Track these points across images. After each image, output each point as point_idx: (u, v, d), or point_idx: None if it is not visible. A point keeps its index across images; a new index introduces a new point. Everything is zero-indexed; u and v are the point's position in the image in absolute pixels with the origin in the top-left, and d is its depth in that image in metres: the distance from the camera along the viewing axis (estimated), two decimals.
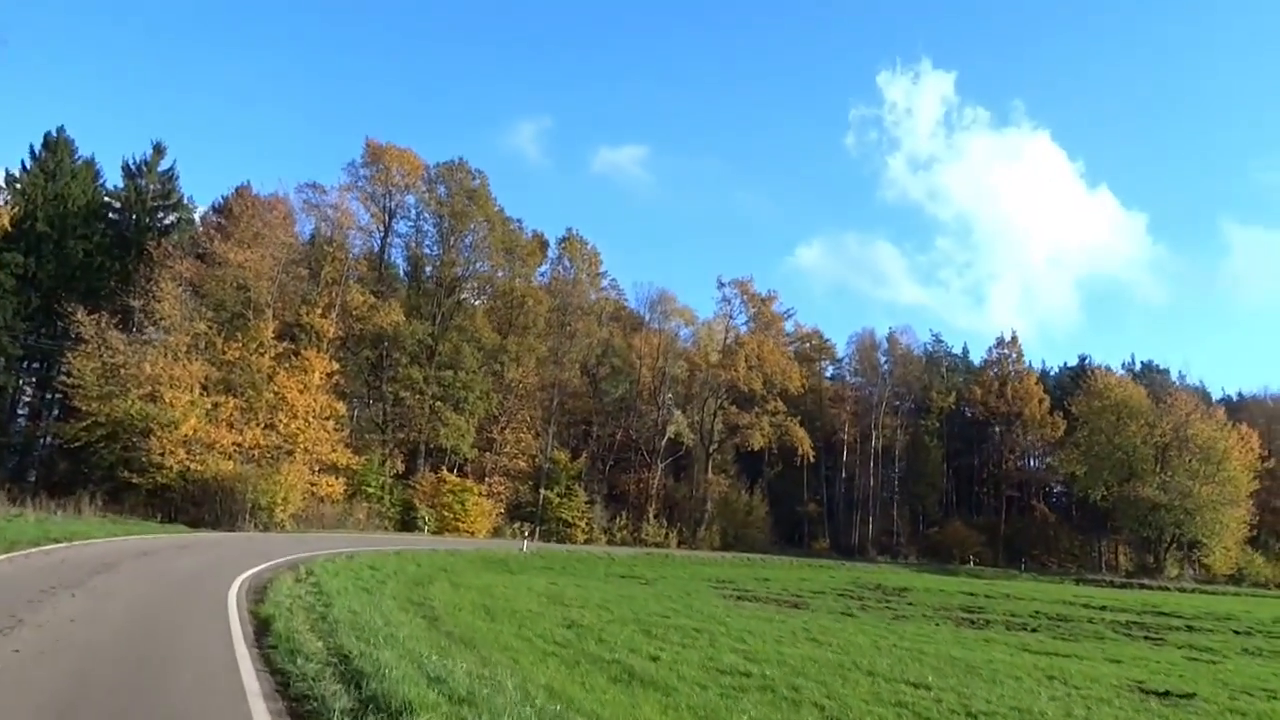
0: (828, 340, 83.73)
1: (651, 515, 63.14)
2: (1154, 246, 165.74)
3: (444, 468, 54.51)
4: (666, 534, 62.61)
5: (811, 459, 70.27)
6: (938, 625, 26.73)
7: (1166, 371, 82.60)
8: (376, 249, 57.09)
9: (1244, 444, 64.12)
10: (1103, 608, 37.77)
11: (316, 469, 44.38)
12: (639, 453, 67.64)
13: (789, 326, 76.91)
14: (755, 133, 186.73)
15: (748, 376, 65.35)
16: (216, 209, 55.07)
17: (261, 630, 10.54)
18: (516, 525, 56.50)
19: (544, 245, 64.92)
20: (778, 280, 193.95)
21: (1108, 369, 77.65)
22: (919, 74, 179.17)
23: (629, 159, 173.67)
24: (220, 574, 17.06)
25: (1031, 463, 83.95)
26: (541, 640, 15.03)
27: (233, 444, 40.44)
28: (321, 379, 45.39)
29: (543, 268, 65.06)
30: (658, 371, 68.02)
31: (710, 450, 68.94)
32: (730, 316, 71.03)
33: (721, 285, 71.90)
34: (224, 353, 42.56)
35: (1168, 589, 57.90)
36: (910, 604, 33.79)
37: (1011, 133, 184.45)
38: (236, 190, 52.96)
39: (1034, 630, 26.69)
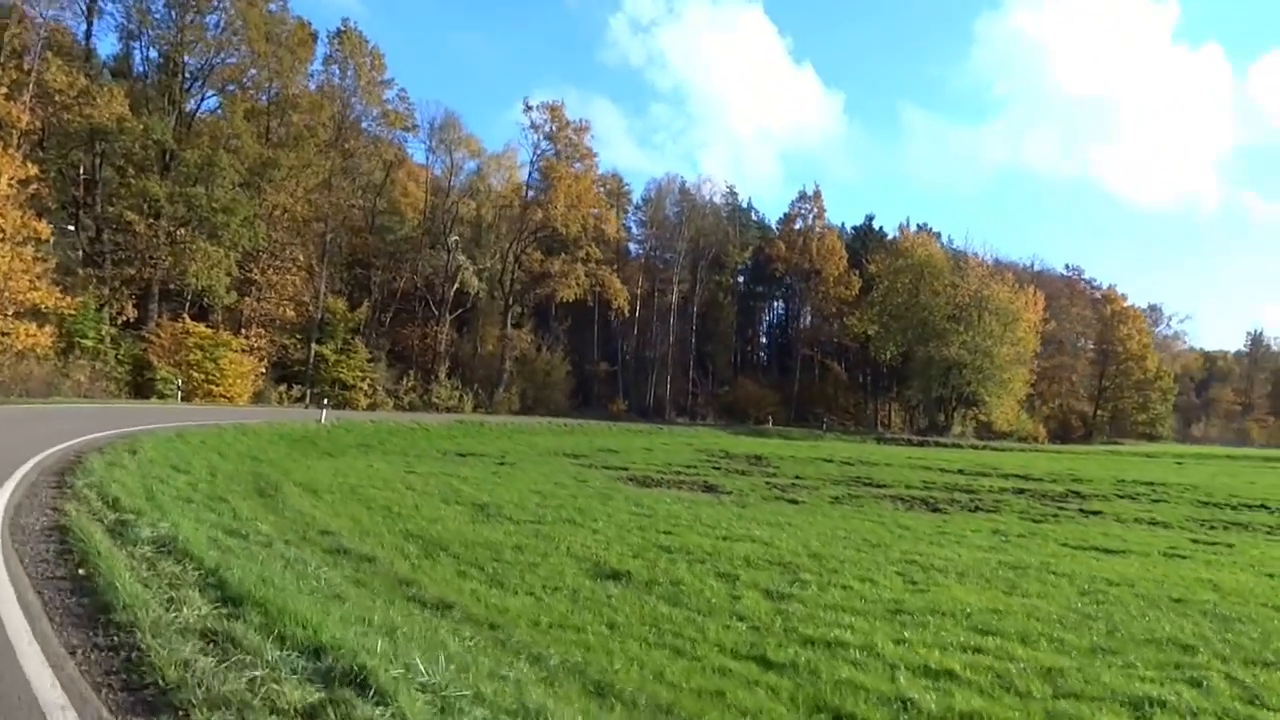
0: (625, 185, 76.04)
1: (442, 375, 54.40)
2: (849, 126, 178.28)
3: (185, 315, 42.45)
4: (461, 397, 54.37)
5: (626, 314, 64.05)
6: (906, 509, 22.18)
7: (939, 235, 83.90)
8: (83, 19, 41.49)
9: (1033, 307, 66.25)
10: (960, 471, 36.01)
11: (11, 313, 31.63)
12: (424, 304, 57.82)
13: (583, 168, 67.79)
14: None
15: (566, 216, 56.68)
16: None
17: None
18: (283, 388, 46.04)
19: (313, 38, 50.84)
20: (500, 133, 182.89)
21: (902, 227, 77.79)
22: None
23: None
24: None
25: (823, 322, 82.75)
26: (670, 636, 7.61)
27: None
28: (11, 187, 31.83)
29: (313, 66, 51.12)
30: (447, 209, 57.57)
31: (509, 303, 60.28)
32: (538, 146, 60.76)
33: (529, 109, 61.07)
34: None
35: (960, 446, 59.24)
36: (799, 479, 29.54)
37: (728, 3, 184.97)
38: None
39: (990, 510, 22.85)
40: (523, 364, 60.78)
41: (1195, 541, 18.19)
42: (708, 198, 76.89)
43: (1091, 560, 14.94)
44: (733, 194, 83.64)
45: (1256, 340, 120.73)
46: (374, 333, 53.26)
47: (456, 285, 56.87)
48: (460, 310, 59.79)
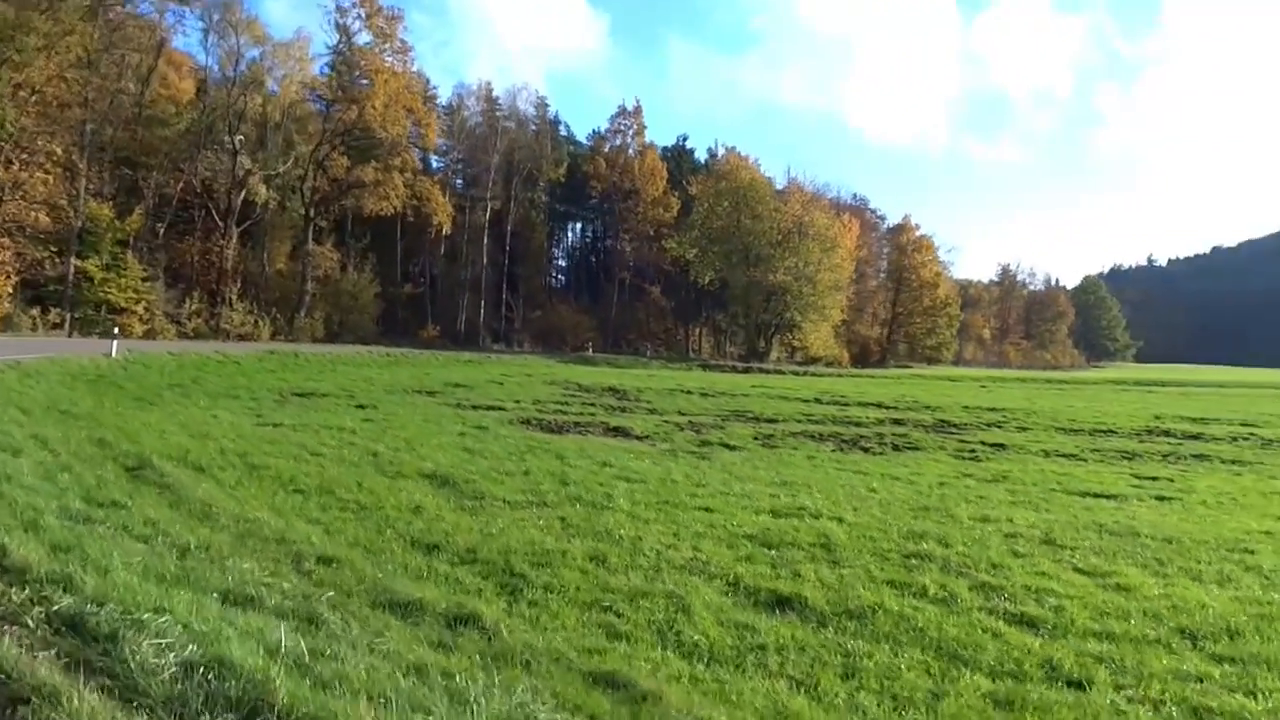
0: (432, 87, 68.25)
1: (233, 298, 46.94)
2: (614, 49, 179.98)
3: None
4: (256, 323, 47.28)
5: (442, 232, 58.03)
6: (844, 452, 20.11)
7: (745, 158, 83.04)
8: None
9: (849, 233, 67.12)
10: (817, 400, 35.36)
11: None
12: (206, 213, 49.41)
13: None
14: None
15: (385, 116, 49.51)
16: None
17: None
18: (36, 312, 37.78)
19: None
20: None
21: (733, 150, 76.20)
22: None
23: None
24: None
25: (640, 244, 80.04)
26: None
27: None
28: None
29: None
30: (230, 103, 48.92)
31: (309, 215, 52.68)
32: (343, 35, 52.03)
33: None
34: None
35: (782, 372, 59.42)
36: (686, 414, 27.26)
37: None
38: None
39: (915, 449, 21.23)
40: (325, 285, 53.95)
41: (1153, 479, 17.04)
42: (521, 108, 71.43)
43: (1153, 516, 13.15)
44: (544, 105, 78.18)
45: (1006, 272, 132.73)
46: (147, 246, 44.91)
47: (244, 193, 49.04)
48: (247, 223, 51.84)
